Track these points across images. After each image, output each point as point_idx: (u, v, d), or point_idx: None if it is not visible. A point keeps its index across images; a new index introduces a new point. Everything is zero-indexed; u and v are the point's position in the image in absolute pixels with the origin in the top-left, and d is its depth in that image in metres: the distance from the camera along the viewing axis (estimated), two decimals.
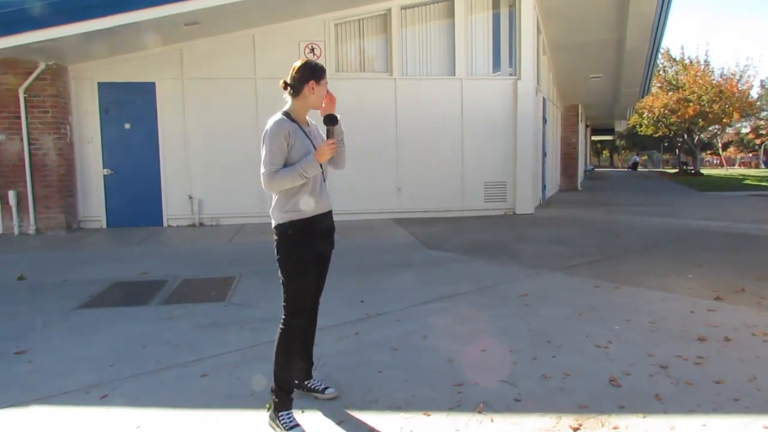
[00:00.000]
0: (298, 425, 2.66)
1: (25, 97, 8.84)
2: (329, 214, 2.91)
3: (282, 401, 2.72)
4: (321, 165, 2.77)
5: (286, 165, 2.71)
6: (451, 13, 10.58)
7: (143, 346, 3.91)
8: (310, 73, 2.79)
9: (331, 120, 2.78)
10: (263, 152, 2.70)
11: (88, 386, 3.23)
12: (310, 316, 2.96)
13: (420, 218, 10.33)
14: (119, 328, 4.32)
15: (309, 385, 3.04)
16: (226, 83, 9.92)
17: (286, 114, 2.79)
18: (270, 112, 2.88)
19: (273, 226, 2.79)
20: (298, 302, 2.76)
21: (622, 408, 2.84)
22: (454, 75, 10.63)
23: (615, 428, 2.65)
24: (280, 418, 2.68)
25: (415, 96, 10.49)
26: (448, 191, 10.76)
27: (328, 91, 2.85)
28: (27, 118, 8.90)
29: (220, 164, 9.93)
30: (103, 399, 3.07)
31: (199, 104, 9.88)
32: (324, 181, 2.88)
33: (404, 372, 3.37)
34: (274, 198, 2.79)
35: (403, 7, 10.45)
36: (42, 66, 8.80)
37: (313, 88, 2.78)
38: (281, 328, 2.77)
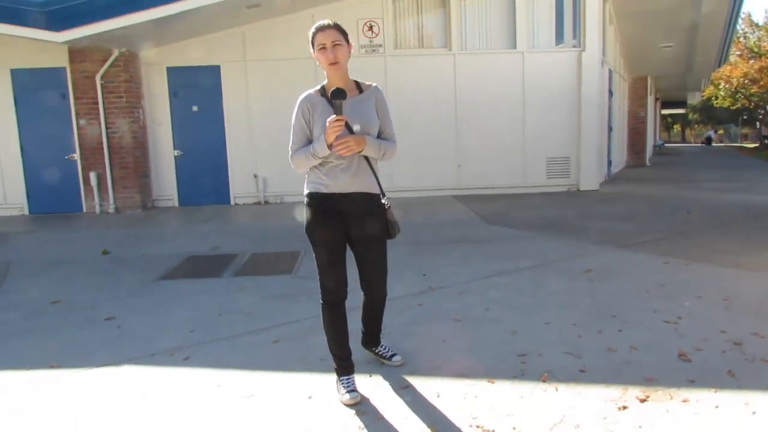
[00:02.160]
0: (354, 390, 2.75)
1: (101, 84, 9.31)
2: (358, 195, 2.69)
3: (340, 367, 2.83)
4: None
5: (311, 142, 2.65)
6: None
7: (218, 314, 4.14)
8: (311, 39, 2.66)
9: (337, 94, 2.48)
10: None
11: (172, 349, 3.47)
12: (368, 295, 2.90)
13: (480, 195, 10.27)
14: (195, 298, 4.59)
15: (377, 351, 3.14)
16: (286, 64, 10.09)
17: (321, 88, 2.70)
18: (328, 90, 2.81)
19: None
20: (319, 275, 2.77)
21: (693, 382, 2.80)
22: (515, 48, 10.40)
23: (684, 401, 2.62)
24: (341, 382, 2.80)
25: (475, 71, 10.35)
26: (508, 167, 10.62)
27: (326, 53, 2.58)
28: (104, 103, 9.39)
29: (282, 143, 10.11)
30: (186, 360, 3.30)
31: (262, 85, 10.12)
32: (367, 160, 2.69)
33: (467, 342, 3.43)
34: None
35: None
36: (116, 53, 9.23)
37: (315, 54, 2.65)
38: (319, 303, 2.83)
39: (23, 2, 8.50)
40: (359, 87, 2.75)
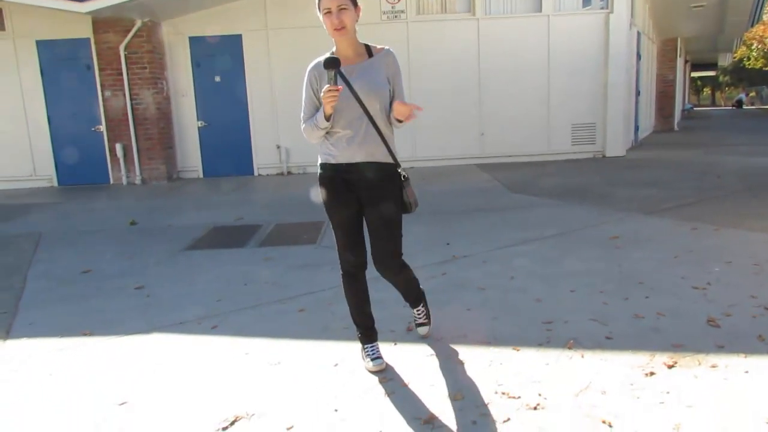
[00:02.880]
0: (379, 357, 2.76)
1: (125, 54, 9.35)
2: (366, 165, 2.58)
3: (363, 335, 2.84)
4: (365, 112, 2.51)
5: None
6: None
7: (244, 284, 4.20)
8: (318, 2, 2.52)
9: (330, 63, 2.39)
10: None
11: (200, 318, 3.54)
12: (389, 279, 2.80)
13: (504, 163, 10.15)
14: (221, 267, 4.65)
15: (412, 314, 3.09)
16: (307, 32, 9.92)
17: (331, 55, 2.56)
18: None
19: None
20: (337, 246, 2.73)
21: (722, 348, 2.77)
22: (541, 11, 10.13)
23: (713, 366, 2.60)
24: (365, 350, 2.82)
25: (499, 36, 10.12)
26: (533, 134, 10.45)
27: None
28: (128, 74, 9.43)
29: None
30: (214, 329, 3.36)
31: (283, 54, 10.05)
32: (376, 128, 2.55)
33: (492, 311, 3.43)
34: None
35: None
36: (138, 23, 9.23)
37: (321, 19, 2.53)
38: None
39: None
40: (369, 51, 2.64)
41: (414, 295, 2.99)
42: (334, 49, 2.62)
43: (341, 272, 2.80)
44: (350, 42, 2.58)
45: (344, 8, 2.48)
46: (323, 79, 2.51)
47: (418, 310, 3.06)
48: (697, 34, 19.74)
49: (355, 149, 2.56)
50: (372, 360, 2.76)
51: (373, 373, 2.72)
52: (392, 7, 9.82)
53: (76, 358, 3.05)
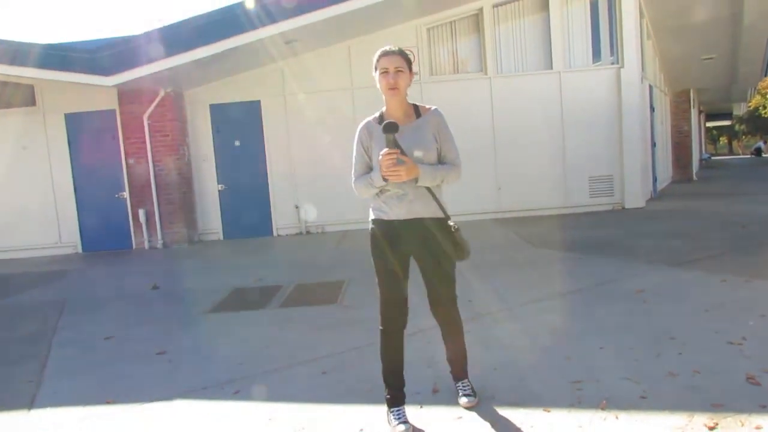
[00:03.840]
0: (406, 422, 2.69)
1: (148, 123, 9.67)
2: (418, 221, 2.69)
3: (392, 397, 2.78)
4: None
5: (372, 169, 2.69)
6: (545, 4, 10.30)
7: (266, 346, 4.16)
8: (375, 62, 2.67)
9: (388, 128, 2.50)
10: None
11: (222, 383, 3.49)
12: (443, 325, 2.89)
13: (522, 217, 10.12)
14: (243, 330, 4.63)
15: (457, 386, 3.00)
16: (324, 95, 10.28)
17: (380, 115, 2.72)
18: (366, 119, 2.83)
19: None
20: (380, 301, 2.75)
21: (765, 408, 2.64)
22: (552, 69, 10.34)
23: (758, 428, 2.47)
24: (391, 413, 2.75)
25: (512, 93, 10.31)
26: (550, 188, 10.46)
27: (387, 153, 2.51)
28: (151, 142, 9.73)
29: (322, 174, 10.30)
30: (236, 394, 3.31)
31: (301, 118, 10.31)
32: (427, 187, 2.67)
33: (519, 370, 3.34)
34: None
35: (495, 5, 10.32)
36: (161, 93, 9.59)
37: (376, 78, 2.67)
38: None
39: (74, 50, 8.99)
40: (417, 111, 2.74)
41: (462, 354, 2.96)
42: (383, 108, 2.74)
43: (381, 329, 2.78)
44: (400, 102, 2.69)
45: (401, 71, 2.62)
46: (373, 137, 2.66)
47: (463, 382, 2.98)
48: (710, 85, 19.92)
49: (406, 207, 2.66)
50: (400, 424, 2.68)
51: None
52: None
53: (99, 428, 3.01)
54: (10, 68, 8.92)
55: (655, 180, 13.34)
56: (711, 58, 15.20)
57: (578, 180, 10.46)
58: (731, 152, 55.38)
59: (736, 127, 49.27)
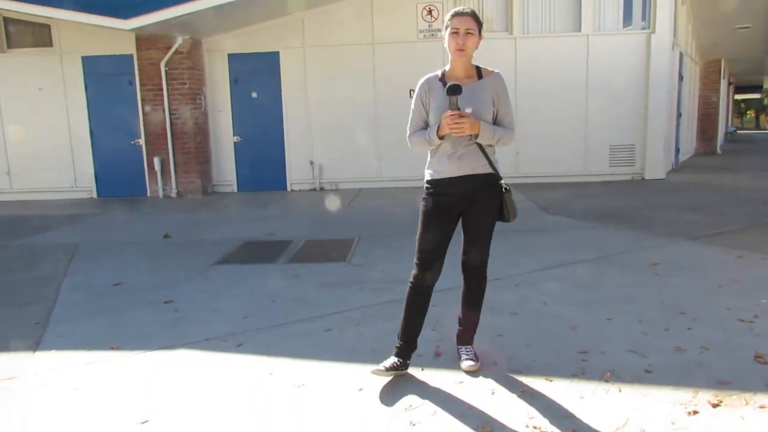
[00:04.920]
0: (381, 369, 2.74)
1: (165, 70, 9.56)
2: (467, 178, 2.71)
3: (399, 350, 2.83)
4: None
5: (428, 125, 2.73)
6: None
7: (272, 300, 4.16)
8: (447, 21, 2.73)
9: (453, 90, 2.55)
10: None
11: (226, 335, 3.51)
12: (469, 282, 2.92)
13: (539, 183, 9.97)
14: (251, 283, 4.64)
15: (459, 349, 3.02)
16: (344, 50, 10.06)
17: (442, 73, 2.75)
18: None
19: None
20: (418, 253, 2.78)
21: None
22: (580, 31, 9.99)
23: (762, 407, 2.43)
24: (391, 358, 2.81)
25: (537, 55, 10.01)
26: (569, 155, 10.25)
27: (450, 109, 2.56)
28: (168, 89, 9.64)
29: (339, 130, 10.19)
30: (239, 347, 3.33)
31: (320, 72, 10.14)
32: (478, 144, 2.69)
33: (524, 337, 3.31)
34: None
35: None
36: (179, 40, 9.44)
37: (444, 38, 2.73)
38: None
39: None
40: (479, 73, 2.77)
41: (476, 317, 2.99)
42: (447, 67, 2.77)
43: (411, 283, 2.81)
44: (465, 63, 2.74)
45: (471, 33, 2.67)
46: (433, 94, 2.71)
47: (466, 348, 3.00)
48: (742, 56, 19.23)
49: (456, 164, 2.70)
50: (387, 365, 2.77)
51: (375, 374, 2.73)
52: (429, 26, 9.83)
53: (102, 373, 3.05)
54: (25, 5, 8.82)
55: (677, 151, 13.03)
56: (746, 28, 14.60)
57: (599, 148, 10.24)
58: (758, 126, 53.93)
59: (765, 101, 47.82)
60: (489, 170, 2.74)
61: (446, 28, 2.71)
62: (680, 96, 12.76)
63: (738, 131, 36.45)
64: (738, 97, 36.93)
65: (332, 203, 8.85)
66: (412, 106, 2.79)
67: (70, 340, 3.53)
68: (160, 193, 9.93)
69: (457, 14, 2.68)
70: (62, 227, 7.43)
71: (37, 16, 9.18)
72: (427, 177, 2.80)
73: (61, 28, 9.77)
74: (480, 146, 2.70)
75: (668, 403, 2.50)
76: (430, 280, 2.81)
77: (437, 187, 2.75)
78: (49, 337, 3.60)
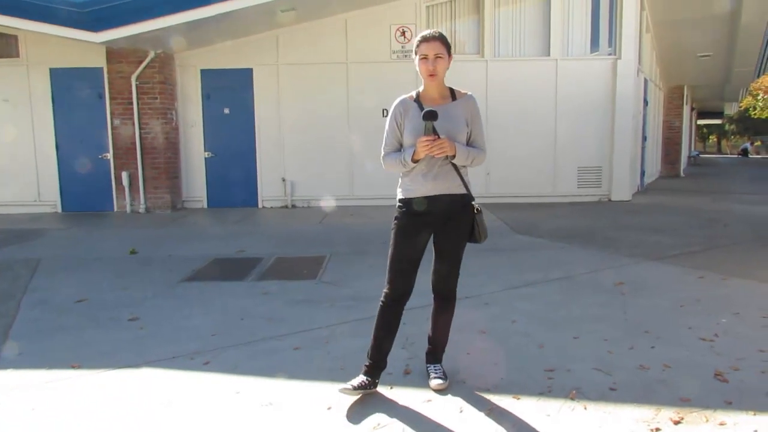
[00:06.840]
0: (349, 387, 2.73)
1: (136, 84, 9.45)
2: (445, 198, 2.74)
3: (367, 369, 2.81)
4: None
5: (402, 145, 2.76)
6: None
7: (241, 318, 4.11)
8: (415, 47, 2.77)
9: (429, 115, 2.58)
10: None
11: (193, 353, 3.45)
12: (439, 301, 2.95)
13: (508, 203, 10.11)
14: (219, 301, 4.57)
15: (428, 368, 3.02)
16: (318, 68, 10.11)
17: (416, 94, 2.79)
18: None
19: None
20: (389, 272, 2.79)
21: (730, 404, 2.66)
22: (549, 55, 10.25)
23: (721, 424, 2.49)
24: (360, 377, 2.79)
25: (507, 77, 10.22)
26: (538, 176, 10.44)
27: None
28: (138, 104, 9.53)
29: (312, 148, 10.19)
30: (206, 365, 3.27)
31: (293, 89, 10.15)
32: (452, 165, 2.73)
33: (492, 355, 3.34)
34: None
35: None
36: (151, 54, 9.36)
37: (416, 62, 2.76)
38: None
39: (63, 2, 8.68)
40: (453, 95, 2.82)
41: (446, 336, 3.02)
42: (420, 88, 2.82)
43: (382, 301, 2.81)
44: (438, 86, 2.79)
45: (440, 57, 2.70)
46: (407, 115, 2.74)
47: (435, 366, 3.00)
48: (704, 82, 19.97)
49: (431, 184, 2.73)
50: (355, 384, 2.75)
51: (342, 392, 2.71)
52: (402, 47, 9.95)
53: (61, 393, 2.96)
54: None
55: (643, 174, 13.38)
56: (707, 56, 15.19)
57: (567, 169, 10.45)
58: (720, 151, 55.76)
59: (726, 126, 49.57)
60: (463, 190, 2.78)
61: (416, 54, 2.74)
62: (645, 120, 13.14)
63: (701, 155, 37.62)
64: (700, 122, 38.18)
65: (304, 221, 8.81)
66: (387, 126, 2.81)
67: (28, 358, 3.42)
68: (128, 209, 9.76)
69: (424, 39, 2.71)
70: (24, 242, 7.23)
71: (4, 26, 9.00)
72: (400, 195, 2.82)
73: (28, 39, 9.60)
74: (455, 166, 2.74)
75: (631, 421, 2.54)
76: (402, 299, 2.81)
77: (410, 206, 2.77)
78: (6, 355, 3.49)
